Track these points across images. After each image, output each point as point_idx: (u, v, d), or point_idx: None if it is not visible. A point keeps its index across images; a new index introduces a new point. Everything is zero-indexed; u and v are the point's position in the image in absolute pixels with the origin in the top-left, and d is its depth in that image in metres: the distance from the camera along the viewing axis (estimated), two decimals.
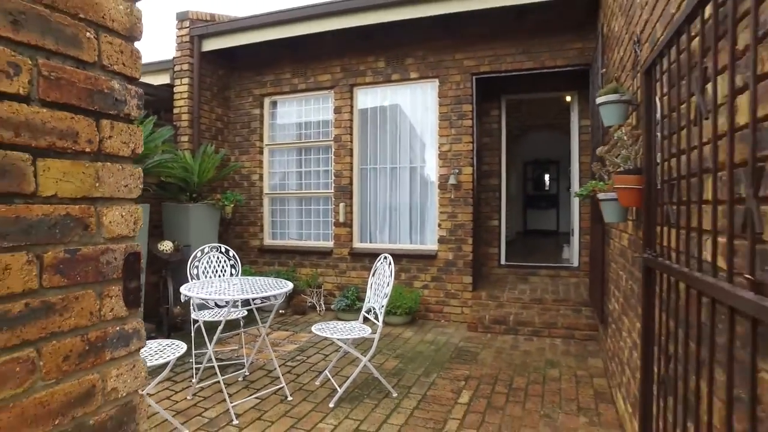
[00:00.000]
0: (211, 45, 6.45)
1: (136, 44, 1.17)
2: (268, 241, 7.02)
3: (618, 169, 2.48)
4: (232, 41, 6.38)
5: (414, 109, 6.35)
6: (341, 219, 6.44)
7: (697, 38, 1.37)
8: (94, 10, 1.04)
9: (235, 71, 7.05)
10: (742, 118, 1.04)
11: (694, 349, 1.40)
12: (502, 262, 6.82)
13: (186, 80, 6.36)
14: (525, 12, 5.38)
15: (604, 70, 4.06)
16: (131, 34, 1.14)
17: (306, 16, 5.92)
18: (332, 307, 6.16)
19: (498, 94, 6.62)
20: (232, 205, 6.25)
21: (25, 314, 0.90)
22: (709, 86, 1.25)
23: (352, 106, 6.46)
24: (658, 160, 1.89)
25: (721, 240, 1.18)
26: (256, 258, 6.93)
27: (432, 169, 6.28)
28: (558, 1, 5.00)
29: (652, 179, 1.96)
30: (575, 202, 6.40)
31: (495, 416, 3.34)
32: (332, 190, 6.58)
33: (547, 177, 14.00)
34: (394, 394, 3.68)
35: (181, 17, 6.47)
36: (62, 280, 0.97)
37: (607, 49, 4.17)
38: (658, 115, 1.90)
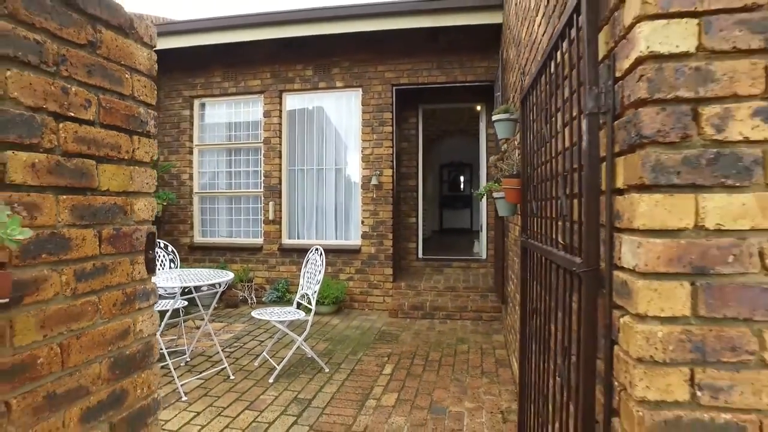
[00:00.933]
0: None
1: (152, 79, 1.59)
2: (198, 238, 7.20)
3: (506, 174, 3.16)
4: (163, 44, 6.50)
5: (339, 115, 6.86)
6: (270, 217, 6.80)
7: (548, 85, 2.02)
8: (130, 58, 1.46)
9: (165, 72, 7.14)
10: (561, 146, 1.67)
11: (546, 300, 2.04)
12: (420, 255, 7.52)
13: None
14: (437, 33, 6.09)
15: (498, 93, 4.82)
16: (150, 72, 1.56)
17: (238, 25, 6.23)
18: (263, 299, 6.52)
19: (416, 103, 7.30)
20: (164, 204, 6.39)
21: (93, 271, 1.31)
22: (554, 119, 1.90)
23: (281, 111, 6.84)
24: (532, 168, 2.56)
25: (557, 224, 1.81)
26: (187, 255, 7.09)
27: (355, 171, 6.82)
28: (465, 26, 5.76)
29: (526, 182, 2.63)
30: (484, 202, 7.23)
31: (413, 382, 3.95)
32: (262, 190, 6.91)
33: (462, 179, 15.04)
34: (327, 370, 4.17)
35: None
36: (112, 249, 1.38)
37: (505, 72, 4.94)
38: (531, 135, 2.56)
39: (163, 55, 6.98)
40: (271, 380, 3.89)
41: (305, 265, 4.44)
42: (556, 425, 1.71)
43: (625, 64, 1.11)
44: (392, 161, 6.55)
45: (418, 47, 6.34)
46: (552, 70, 1.82)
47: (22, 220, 1.02)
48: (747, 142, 0.99)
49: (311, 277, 4.27)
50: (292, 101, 6.92)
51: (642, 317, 1.05)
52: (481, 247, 7.55)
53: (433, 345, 4.97)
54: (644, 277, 1.04)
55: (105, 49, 1.35)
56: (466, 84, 6.40)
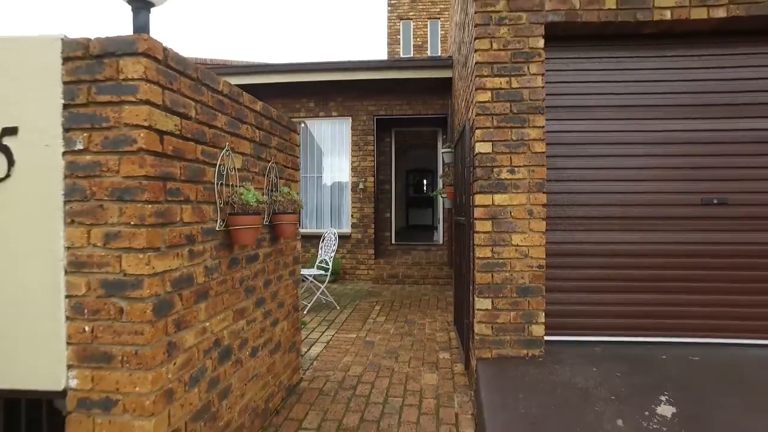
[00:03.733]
0: None
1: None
2: None
3: (448, 183, 5.56)
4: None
5: (334, 137, 9.16)
6: None
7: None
8: (294, 140, 3.77)
9: None
10: (465, 174, 4.04)
11: (460, 242, 4.42)
12: (393, 242, 9.89)
13: None
14: (406, 80, 8.48)
15: (446, 135, 7.22)
16: (298, 143, 3.87)
17: (256, 71, 8.46)
18: None
19: (390, 127, 9.68)
20: None
21: (294, 223, 3.62)
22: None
23: None
24: (458, 182, 4.94)
25: (463, 207, 4.20)
26: None
27: (347, 178, 9.13)
28: (425, 79, 8.18)
29: (456, 188, 5.01)
30: (441, 201, 9.66)
31: (394, 313, 6.31)
32: None
33: (425, 182, 17.50)
34: (338, 308, 6.48)
35: None
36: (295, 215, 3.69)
37: (453, 114, 7.36)
38: (457, 166, 4.95)
39: None
40: (305, 312, 6.18)
41: (322, 241, 6.74)
42: (461, 296, 4.10)
43: (475, 153, 3.50)
44: (373, 171, 8.90)
45: (393, 89, 8.72)
46: (463, 138, 4.20)
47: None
48: (507, 179, 3.41)
49: (327, 248, 6.58)
50: (298, 126, 9.15)
51: (477, 232, 3.43)
52: (439, 235, 10.00)
53: (405, 297, 7.35)
54: (478, 220, 3.43)
55: (291, 140, 3.65)
56: (428, 116, 8.82)
